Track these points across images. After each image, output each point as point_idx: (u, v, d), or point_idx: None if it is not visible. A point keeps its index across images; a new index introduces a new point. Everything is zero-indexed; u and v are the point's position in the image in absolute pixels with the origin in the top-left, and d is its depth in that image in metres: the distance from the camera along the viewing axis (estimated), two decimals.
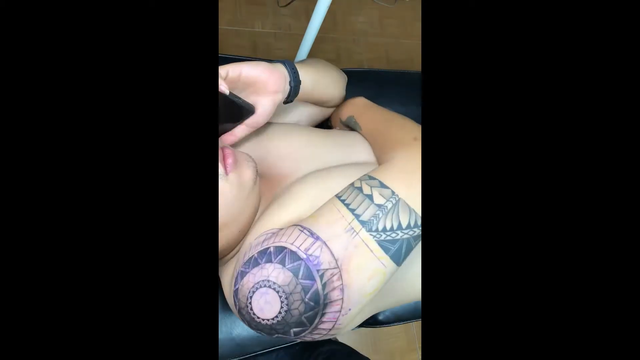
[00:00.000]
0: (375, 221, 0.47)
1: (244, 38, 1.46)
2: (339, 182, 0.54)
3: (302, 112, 0.76)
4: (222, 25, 1.45)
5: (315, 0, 0.95)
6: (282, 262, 0.46)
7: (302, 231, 0.48)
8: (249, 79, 0.57)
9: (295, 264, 0.46)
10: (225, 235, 0.54)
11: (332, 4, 0.96)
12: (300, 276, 0.46)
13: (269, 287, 0.46)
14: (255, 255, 0.48)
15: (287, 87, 0.61)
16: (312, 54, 1.18)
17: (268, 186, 0.62)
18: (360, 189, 0.50)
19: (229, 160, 0.53)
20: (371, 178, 0.51)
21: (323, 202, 0.53)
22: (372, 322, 0.88)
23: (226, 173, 0.52)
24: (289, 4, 1.49)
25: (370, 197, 0.49)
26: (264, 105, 0.59)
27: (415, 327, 1.43)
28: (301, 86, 0.63)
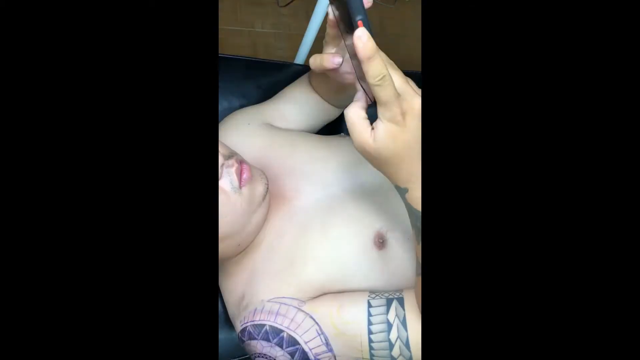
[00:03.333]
0: None
1: (244, 38, 1.46)
2: (341, 231, 0.55)
3: (308, 113, 0.73)
4: (222, 25, 1.44)
5: (315, 0, 0.95)
6: (292, 355, 0.49)
7: (319, 335, 0.49)
8: None
9: (295, 348, 0.49)
10: (224, 247, 0.54)
11: None
12: (296, 356, 0.49)
13: None
14: (268, 329, 0.50)
15: None
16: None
17: (270, 205, 0.61)
18: (389, 326, 0.49)
19: (245, 175, 0.53)
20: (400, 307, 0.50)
21: (328, 264, 0.54)
22: None
23: (240, 187, 0.53)
24: (289, 4, 1.49)
25: (391, 346, 0.49)
26: None
27: None
28: None
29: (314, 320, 0.50)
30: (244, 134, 0.67)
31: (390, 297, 0.51)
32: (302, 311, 0.51)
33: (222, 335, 0.72)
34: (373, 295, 0.52)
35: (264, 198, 0.56)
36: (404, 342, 0.48)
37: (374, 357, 0.49)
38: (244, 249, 0.58)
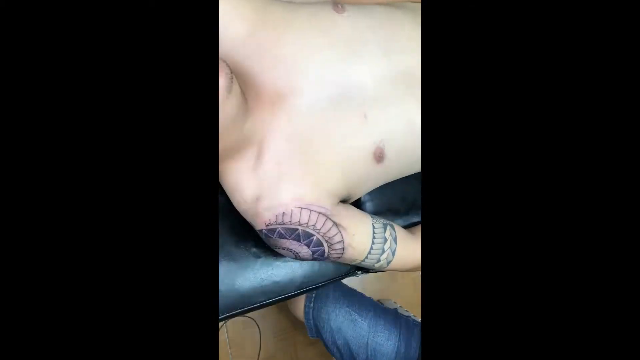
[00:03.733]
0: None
1: None
2: (344, 141, 0.58)
3: None
4: None
5: None
6: (314, 252, 0.61)
7: (341, 241, 0.60)
8: None
9: (318, 248, 0.60)
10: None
11: None
12: (316, 254, 0.61)
13: (292, 253, 0.61)
14: (301, 232, 0.58)
15: None
16: None
17: (258, 102, 0.56)
18: (385, 240, 0.64)
19: None
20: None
21: (336, 173, 0.59)
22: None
23: None
24: None
25: (383, 252, 0.64)
26: None
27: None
28: None
29: (338, 229, 0.59)
30: None
31: (385, 222, 0.66)
32: (331, 220, 0.58)
33: (224, 286, 0.74)
34: (375, 219, 0.65)
35: (228, 91, 0.48)
36: (392, 250, 0.65)
37: (366, 259, 0.63)
38: (243, 144, 0.57)
